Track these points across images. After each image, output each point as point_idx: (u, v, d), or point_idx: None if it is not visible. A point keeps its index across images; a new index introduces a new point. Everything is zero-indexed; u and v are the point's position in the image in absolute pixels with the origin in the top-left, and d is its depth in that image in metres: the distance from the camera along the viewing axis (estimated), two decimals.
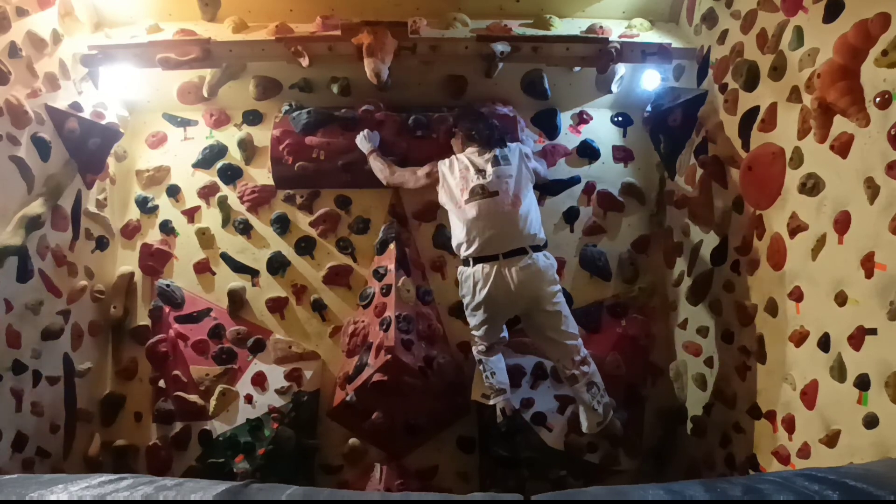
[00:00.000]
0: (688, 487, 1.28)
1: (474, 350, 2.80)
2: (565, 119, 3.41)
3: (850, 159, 1.87)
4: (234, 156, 3.35)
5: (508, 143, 2.83)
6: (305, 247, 3.27)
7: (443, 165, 2.84)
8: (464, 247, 2.66)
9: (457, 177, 2.74)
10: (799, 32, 2.13)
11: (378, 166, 3.01)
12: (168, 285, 3.20)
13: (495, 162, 2.70)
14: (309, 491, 1.34)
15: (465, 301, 2.72)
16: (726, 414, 2.66)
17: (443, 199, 2.83)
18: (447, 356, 3.04)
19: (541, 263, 2.59)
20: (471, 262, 2.64)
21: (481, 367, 2.77)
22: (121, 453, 3.04)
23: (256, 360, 3.18)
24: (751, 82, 2.41)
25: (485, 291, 2.58)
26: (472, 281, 2.62)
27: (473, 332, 2.75)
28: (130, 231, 3.30)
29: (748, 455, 2.46)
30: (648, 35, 3.02)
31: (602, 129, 3.42)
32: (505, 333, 2.79)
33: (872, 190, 1.75)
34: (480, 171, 2.68)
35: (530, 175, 2.78)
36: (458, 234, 2.70)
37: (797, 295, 2.12)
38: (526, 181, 2.72)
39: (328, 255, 3.28)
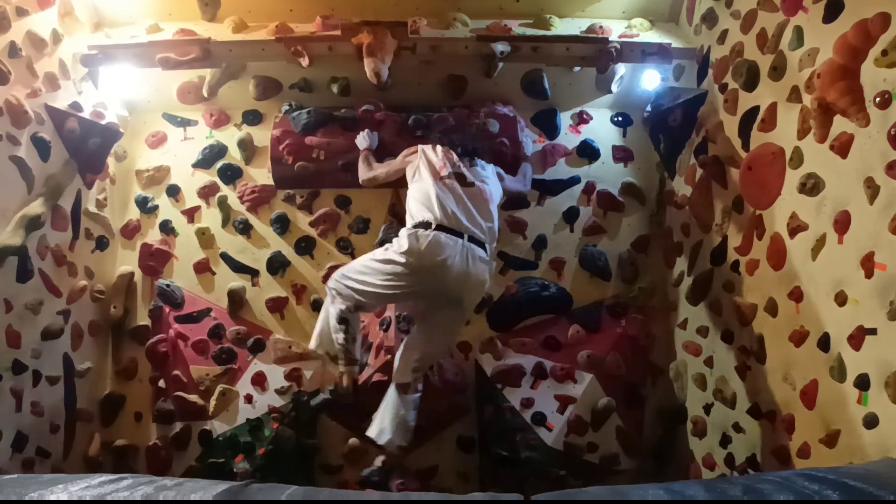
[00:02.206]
0: (688, 487, 1.28)
1: (336, 302, 2.56)
2: (565, 119, 3.41)
3: (850, 159, 1.87)
4: (234, 156, 3.35)
5: (484, 162, 2.87)
6: (305, 247, 3.27)
7: (424, 146, 2.84)
8: (427, 214, 2.49)
9: (440, 155, 2.74)
10: (799, 32, 2.13)
11: (361, 165, 3.00)
12: (168, 285, 3.20)
13: (472, 164, 2.78)
14: (309, 491, 1.34)
15: (386, 258, 2.49)
16: (726, 414, 2.66)
17: (413, 172, 2.71)
18: (447, 356, 3.04)
19: (491, 267, 2.65)
20: (432, 227, 2.46)
21: (341, 325, 2.54)
22: (121, 453, 3.04)
23: (256, 360, 3.18)
24: (751, 82, 2.41)
25: (440, 259, 2.40)
26: (427, 242, 2.41)
27: (352, 286, 2.51)
28: (130, 231, 3.30)
29: (748, 455, 2.46)
30: (648, 35, 3.02)
31: (602, 129, 3.42)
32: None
33: (872, 190, 1.75)
34: (462, 164, 2.74)
35: (500, 192, 2.83)
36: (423, 201, 2.55)
37: (797, 295, 2.12)
38: (496, 195, 2.77)
39: (328, 255, 3.28)
